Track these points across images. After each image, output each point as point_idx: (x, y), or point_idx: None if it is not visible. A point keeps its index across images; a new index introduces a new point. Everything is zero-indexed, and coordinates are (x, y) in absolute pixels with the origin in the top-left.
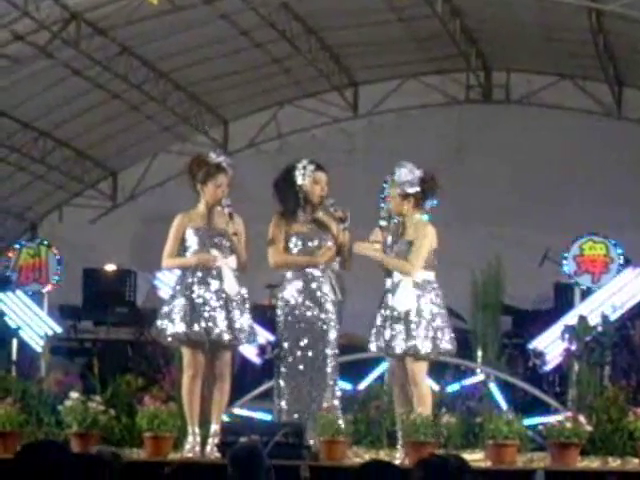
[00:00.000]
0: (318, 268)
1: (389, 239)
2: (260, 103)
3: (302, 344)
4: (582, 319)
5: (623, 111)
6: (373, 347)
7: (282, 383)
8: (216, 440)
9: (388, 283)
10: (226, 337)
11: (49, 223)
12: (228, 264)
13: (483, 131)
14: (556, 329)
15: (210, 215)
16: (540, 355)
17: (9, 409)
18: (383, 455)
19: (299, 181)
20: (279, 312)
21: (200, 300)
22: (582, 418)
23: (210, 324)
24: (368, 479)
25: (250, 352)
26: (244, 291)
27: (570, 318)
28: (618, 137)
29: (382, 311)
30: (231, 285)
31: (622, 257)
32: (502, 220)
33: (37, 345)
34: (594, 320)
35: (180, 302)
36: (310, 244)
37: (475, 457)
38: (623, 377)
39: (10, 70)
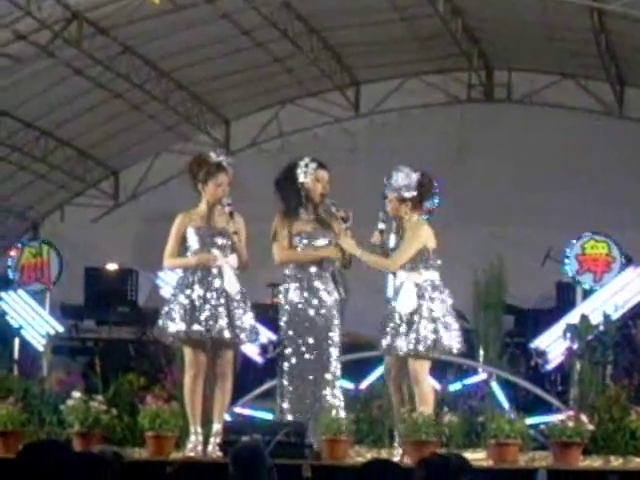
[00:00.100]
0: (322, 267)
1: (392, 241)
2: (262, 102)
3: (306, 343)
4: (584, 318)
5: (625, 110)
6: (382, 346)
7: (285, 382)
8: (218, 439)
9: (392, 284)
10: (227, 335)
11: (51, 222)
12: (229, 263)
13: (485, 130)
14: (558, 328)
15: (210, 214)
16: (542, 354)
17: (11, 408)
18: (385, 454)
19: (301, 179)
20: (282, 311)
21: (200, 299)
22: (584, 417)
23: (211, 322)
24: (370, 478)
25: (252, 351)
26: (244, 290)
27: (572, 317)
28: (620, 136)
29: (387, 312)
30: (232, 284)
31: (624, 256)
32: (504, 219)
33: (39, 344)
34: (596, 319)
35: (180, 301)
36: (315, 243)
37: (477, 456)
38: (625, 376)
39: (12, 69)
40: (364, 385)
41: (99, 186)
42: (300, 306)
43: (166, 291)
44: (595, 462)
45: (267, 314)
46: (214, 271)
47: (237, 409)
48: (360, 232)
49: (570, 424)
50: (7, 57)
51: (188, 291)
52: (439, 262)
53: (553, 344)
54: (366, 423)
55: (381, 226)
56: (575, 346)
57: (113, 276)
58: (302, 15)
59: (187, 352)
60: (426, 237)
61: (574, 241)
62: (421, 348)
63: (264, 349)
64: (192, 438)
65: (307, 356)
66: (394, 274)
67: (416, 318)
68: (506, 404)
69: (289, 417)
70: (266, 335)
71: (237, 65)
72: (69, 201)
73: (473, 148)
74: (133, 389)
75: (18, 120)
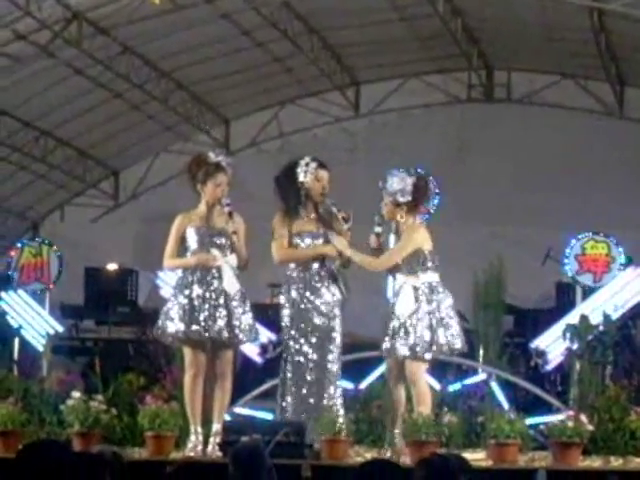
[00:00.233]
0: (323, 267)
1: (392, 242)
2: (262, 102)
3: (308, 343)
4: (584, 318)
5: (625, 110)
6: (382, 349)
7: (286, 382)
8: (218, 439)
9: (392, 287)
10: (226, 335)
11: (51, 222)
12: (228, 263)
13: (485, 130)
14: (558, 328)
15: (210, 214)
16: (542, 354)
17: (11, 408)
18: (384, 454)
19: (301, 178)
20: (284, 311)
21: (199, 299)
22: (584, 417)
23: (210, 322)
24: (369, 478)
25: (252, 351)
26: (243, 290)
27: (572, 317)
28: (620, 136)
29: (386, 315)
30: (231, 284)
31: (624, 256)
32: (504, 219)
33: (39, 344)
34: (596, 319)
35: (179, 301)
36: (316, 242)
37: (477, 456)
38: (625, 376)
39: (12, 69)
40: (364, 385)
41: (99, 186)
42: (302, 306)
43: (166, 291)
44: (595, 462)
45: (267, 314)
46: (213, 271)
47: (237, 409)
48: (360, 232)
49: (570, 424)
50: (7, 57)
51: (187, 291)
52: (437, 263)
53: (553, 344)
54: (365, 423)
55: (377, 229)
56: (575, 346)
57: (113, 276)
58: (302, 15)
59: (187, 352)
60: (421, 240)
61: (574, 241)
62: (418, 350)
63: (264, 349)
64: (192, 438)
65: (309, 356)
66: (394, 277)
67: (414, 321)
68: (506, 404)
69: (290, 417)
70: (266, 335)
71: (237, 65)
72: (69, 201)
73: (473, 148)
74: (133, 389)
75: (18, 120)
